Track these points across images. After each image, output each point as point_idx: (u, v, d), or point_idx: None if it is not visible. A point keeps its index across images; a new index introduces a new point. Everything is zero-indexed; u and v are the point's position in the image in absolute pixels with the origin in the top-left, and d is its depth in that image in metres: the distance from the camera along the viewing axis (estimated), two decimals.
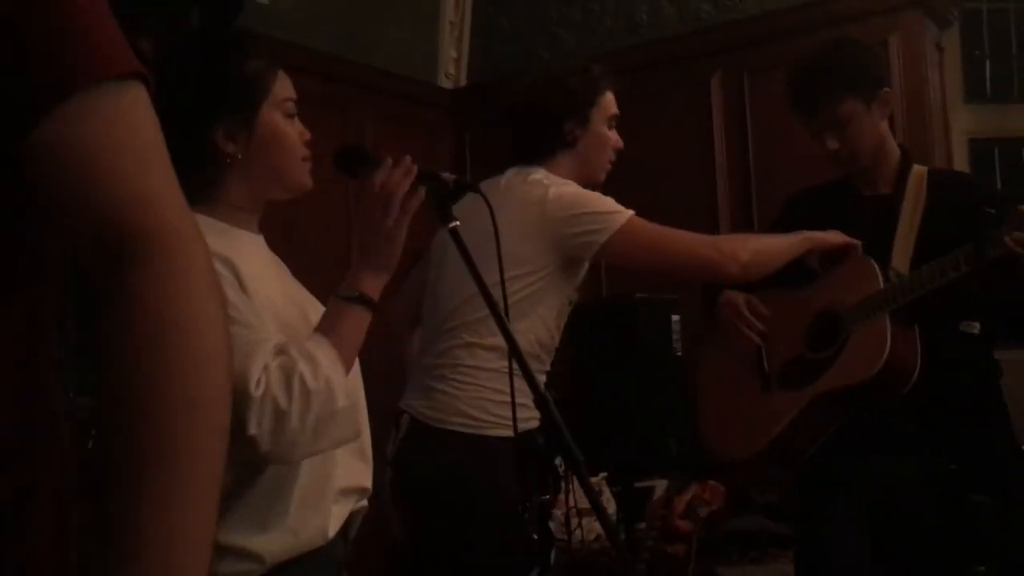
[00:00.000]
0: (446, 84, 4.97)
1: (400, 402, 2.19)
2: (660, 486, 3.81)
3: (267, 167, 1.49)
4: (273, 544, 1.36)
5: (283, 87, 1.51)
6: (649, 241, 2.15)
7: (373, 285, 1.45)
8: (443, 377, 2.12)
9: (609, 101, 2.32)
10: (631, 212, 2.17)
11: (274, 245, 1.62)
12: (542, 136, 2.25)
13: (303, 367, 1.31)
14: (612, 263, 2.31)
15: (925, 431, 2.13)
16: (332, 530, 1.44)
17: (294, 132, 1.51)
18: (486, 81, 4.89)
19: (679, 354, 3.40)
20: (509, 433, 1.81)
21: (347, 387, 1.37)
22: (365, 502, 1.55)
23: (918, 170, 2.27)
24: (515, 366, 1.45)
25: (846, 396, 2.12)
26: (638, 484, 3.52)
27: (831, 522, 2.18)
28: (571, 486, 3.11)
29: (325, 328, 1.41)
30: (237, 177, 1.48)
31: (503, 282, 1.59)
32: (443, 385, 2.11)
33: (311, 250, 4.08)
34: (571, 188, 2.18)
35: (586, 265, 2.26)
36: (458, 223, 1.49)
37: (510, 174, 2.24)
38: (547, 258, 2.11)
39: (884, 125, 2.27)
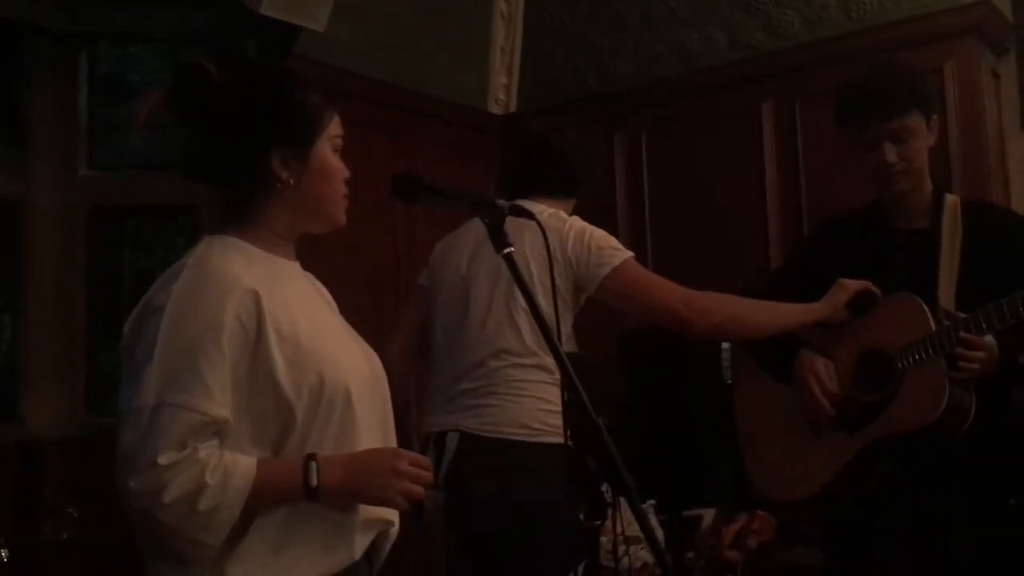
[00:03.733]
0: (496, 110, 5.00)
1: (433, 427, 2.32)
2: (709, 515, 3.77)
3: (312, 198, 1.54)
4: (292, 572, 1.40)
5: (336, 124, 1.57)
6: (635, 284, 2.29)
7: (332, 490, 1.40)
8: (494, 394, 2.25)
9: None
10: (631, 253, 2.31)
11: (329, 270, 1.64)
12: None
13: (212, 483, 1.32)
14: (599, 298, 2.33)
15: (978, 467, 2.10)
16: (358, 553, 1.47)
17: (341, 168, 1.56)
18: (536, 107, 4.92)
19: (729, 381, 3.38)
20: (559, 440, 2.12)
21: (221, 528, 1.35)
22: (395, 528, 1.56)
23: (951, 200, 2.23)
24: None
25: (905, 439, 2.09)
26: (686, 513, 3.49)
27: (872, 565, 2.14)
28: (618, 513, 3.11)
29: (265, 468, 1.37)
30: (282, 204, 1.52)
31: (556, 307, 1.60)
32: (496, 400, 2.25)
33: (361, 274, 4.13)
34: (584, 223, 2.34)
35: (583, 298, 2.36)
36: (512, 249, 1.51)
37: None
38: (564, 287, 2.25)
39: (927, 155, 2.23)
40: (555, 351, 1.45)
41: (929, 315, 2.09)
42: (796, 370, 2.25)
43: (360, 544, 1.47)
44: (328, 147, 1.54)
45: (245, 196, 1.51)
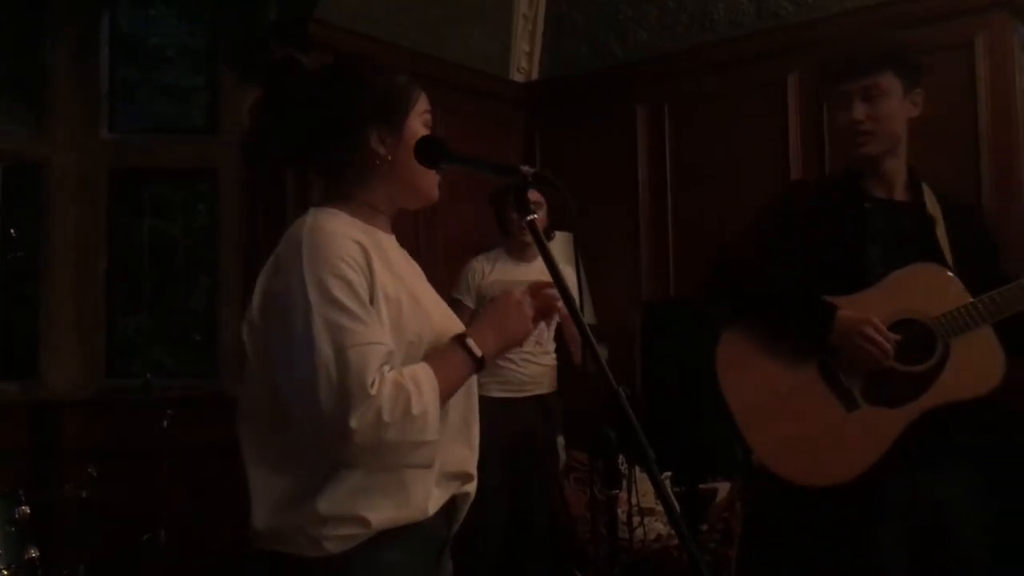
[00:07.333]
0: (518, 78, 4.97)
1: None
2: (724, 489, 3.77)
3: (407, 173, 1.62)
4: (378, 511, 1.48)
5: (424, 101, 1.66)
6: None
7: (493, 353, 1.57)
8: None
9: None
10: None
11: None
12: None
13: (412, 389, 1.43)
14: None
15: (980, 442, 2.10)
16: (432, 508, 1.55)
17: None
18: (558, 76, 4.88)
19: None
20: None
21: (435, 423, 1.47)
22: (470, 488, 1.64)
23: (926, 187, 2.22)
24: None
25: (955, 409, 2.06)
26: (702, 486, 3.49)
27: (880, 547, 2.08)
28: (634, 484, 3.11)
29: (436, 363, 1.51)
30: (380, 179, 1.62)
31: (580, 283, 1.64)
32: None
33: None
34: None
35: None
36: (536, 216, 1.53)
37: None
38: None
39: (904, 126, 2.19)
40: (578, 321, 1.46)
41: (962, 286, 2.08)
42: (846, 330, 2.10)
43: (435, 500, 1.55)
44: (419, 122, 1.63)
45: (345, 175, 1.61)
